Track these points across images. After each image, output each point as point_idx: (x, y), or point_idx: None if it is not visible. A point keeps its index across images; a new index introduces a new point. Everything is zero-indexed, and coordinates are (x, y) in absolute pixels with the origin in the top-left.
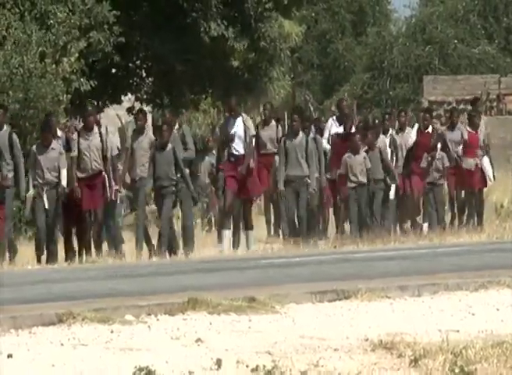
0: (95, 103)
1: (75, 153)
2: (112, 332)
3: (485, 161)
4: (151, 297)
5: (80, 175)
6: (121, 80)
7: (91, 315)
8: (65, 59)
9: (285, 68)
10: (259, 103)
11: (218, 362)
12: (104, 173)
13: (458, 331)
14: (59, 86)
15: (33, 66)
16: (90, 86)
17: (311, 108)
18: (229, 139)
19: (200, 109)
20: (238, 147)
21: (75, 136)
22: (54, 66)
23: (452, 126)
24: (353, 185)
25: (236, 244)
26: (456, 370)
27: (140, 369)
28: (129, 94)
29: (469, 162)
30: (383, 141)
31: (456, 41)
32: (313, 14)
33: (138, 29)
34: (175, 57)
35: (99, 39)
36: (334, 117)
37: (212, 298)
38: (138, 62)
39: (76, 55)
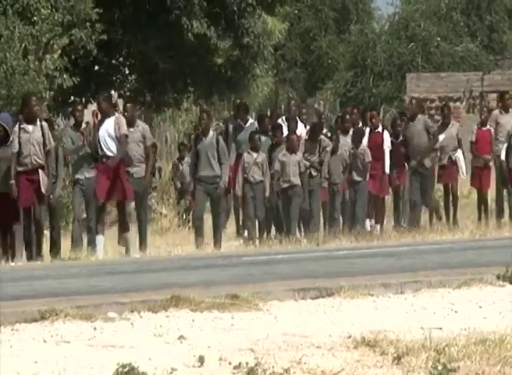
0: (78, 100)
1: (15, 149)
2: (94, 329)
3: (460, 155)
4: (133, 294)
5: (19, 169)
6: (104, 77)
7: (74, 312)
8: (48, 56)
9: (268, 65)
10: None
11: (201, 359)
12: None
13: (441, 329)
14: (42, 83)
15: (16, 62)
16: (73, 83)
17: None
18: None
19: (182, 108)
20: (111, 147)
21: (16, 129)
22: (37, 62)
23: (447, 123)
24: (285, 185)
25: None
26: (439, 368)
27: (123, 366)
28: (112, 91)
29: (480, 159)
30: (346, 141)
31: (439, 39)
32: (296, 11)
33: (121, 26)
34: (158, 54)
35: (81, 36)
36: (283, 118)
37: (195, 295)
38: (121, 59)
39: (59, 52)
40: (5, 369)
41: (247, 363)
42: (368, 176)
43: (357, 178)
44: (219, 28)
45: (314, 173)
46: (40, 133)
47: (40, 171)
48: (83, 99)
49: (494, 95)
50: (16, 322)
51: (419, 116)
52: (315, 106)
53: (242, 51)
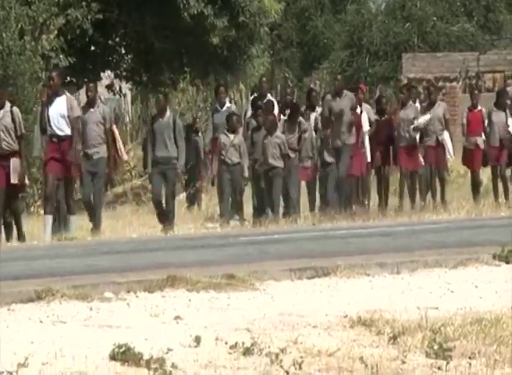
0: (74, 80)
1: None
2: (91, 309)
3: (446, 136)
4: (130, 274)
5: None
6: (100, 58)
7: (70, 292)
8: (44, 36)
9: (264, 45)
10: (238, 81)
11: (197, 339)
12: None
13: (437, 308)
14: (38, 63)
15: (12, 42)
16: (69, 63)
17: (290, 86)
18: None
19: (179, 88)
20: (62, 127)
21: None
22: (33, 43)
23: (404, 104)
24: (264, 167)
25: (61, 228)
26: (435, 347)
27: (119, 347)
28: (109, 72)
29: (471, 140)
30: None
31: (435, 19)
32: None
33: (117, 6)
34: (154, 34)
35: (77, 16)
36: (255, 94)
37: (191, 275)
38: (117, 39)
39: (55, 32)
40: (1, 349)
41: (243, 343)
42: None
43: (329, 159)
44: (216, 7)
45: (292, 155)
46: (10, 118)
47: (12, 159)
48: (80, 80)
49: (490, 75)
50: (13, 302)
51: (345, 92)
52: (311, 86)
53: (238, 31)
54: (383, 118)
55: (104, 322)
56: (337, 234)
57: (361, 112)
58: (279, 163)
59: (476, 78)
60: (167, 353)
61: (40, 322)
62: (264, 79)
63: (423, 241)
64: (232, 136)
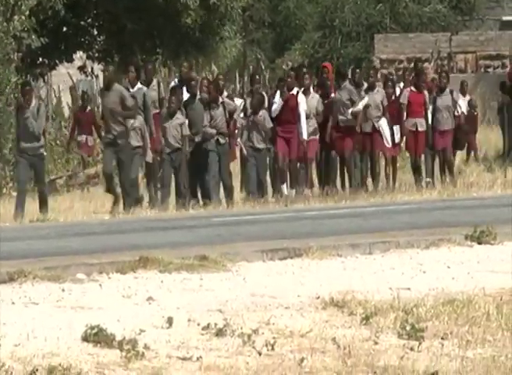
0: (46, 61)
1: None
2: (63, 290)
3: (383, 123)
4: (102, 255)
5: None
6: (72, 38)
7: (42, 273)
8: (15, 17)
9: (236, 26)
10: (210, 62)
11: (170, 321)
12: None
13: (409, 289)
14: (10, 44)
15: None
16: (41, 44)
17: (263, 67)
18: None
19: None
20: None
21: None
22: (5, 23)
23: (339, 86)
24: (167, 150)
25: None
26: (407, 328)
27: (92, 328)
28: (81, 53)
29: (411, 122)
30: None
31: (407, 0)
32: None
33: None
34: (126, 15)
35: None
36: (175, 80)
37: (163, 256)
38: (89, 20)
39: (27, 12)
40: None
41: (215, 324)
42: (267, 142)
43: (258, 145)
44: None
45: (221, 140)
46: None
47: None
48: (52, 61)
49: (462, 56)
50: None
51: (116, 84)
52: (283, 67)
53: (210, 13)
54: (325, 101)
55: (77, 303)
56: (309, 215)
57: (297, 92)
58: (181, 145)
59: (448, 59)
60: (139, 334)
61: (13, 303)
62: (185, 64)
63: (395, 221)
64: (132, 120)
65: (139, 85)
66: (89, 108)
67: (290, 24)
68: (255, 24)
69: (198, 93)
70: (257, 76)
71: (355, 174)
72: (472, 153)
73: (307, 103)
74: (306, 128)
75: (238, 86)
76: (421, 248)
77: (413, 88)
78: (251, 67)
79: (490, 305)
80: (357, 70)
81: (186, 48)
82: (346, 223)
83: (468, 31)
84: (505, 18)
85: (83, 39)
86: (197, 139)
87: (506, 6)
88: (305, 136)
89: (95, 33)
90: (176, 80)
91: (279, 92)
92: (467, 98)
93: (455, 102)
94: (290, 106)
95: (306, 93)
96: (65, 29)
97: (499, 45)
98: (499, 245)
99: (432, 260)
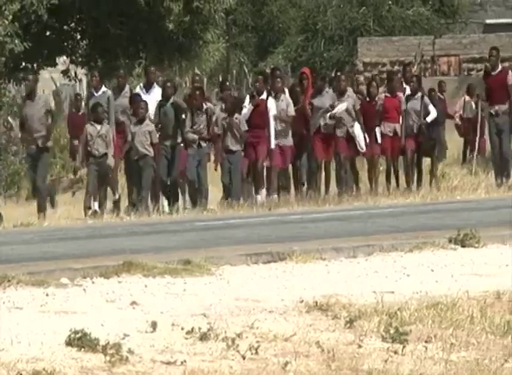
0: (29, 66)
1: None
2: (47, 295)
3: (356, 128)
4: (86, 260)
5: None
6: (55, 43)
7: (26, 278)
8: None
9: (219, 30)
10: (193, 66)
11: (154, 325)
12: None
13: (393, 292)
14: None
15: None
16: (25, 48)
17: (246, 71)
18: None
19: (134, 73)
20: None
21: None
22: None
23: (320, 92)
24: (136, 157)
25: None
26: (391, 331)
27: (76, 332)
28: (64, 57)
29: (387, 127)
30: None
31: (390, 3)
32: None
33: None
34: (109, 20)
35: (32, 1)
36: (141, 85)
37: (147, 260)
38: (72, 24)
39: (10, 17)
40: None
41: (199, 328)
42: (243, 145)
43: (232, 147)
44: None
45: (202, 144)
46: None
47: None
48: (34, 65)
49: (445, 59)
50: None
51: (38, 93)
52: (267, 70)
53: (193, 17)
54: (296, 107)
55: (61, 308)
56: (293, 219)
57: (267, 97)
58: (149, 151)
59: (431, 62)
60: (123, 339)
61: None
62: (152, 69)
63: (379, 225)
64: (98, 126)
65: (103, 89)
66: (82, 111)
67: (273, 28)
68: (238, 28)
69: (172, 98)
70: (227, 83)
71: (347, 179)
72: (475, 154)
73: (277, 107)
74: (274, 135)
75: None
76: (404, 251)
77: (387, 94)
78: (234, 71)
79: (474, 308)
80: (340, 75)
81: (170, 53)
82: (329, 227)
83: (451, 34)
84: (488, 21)
85: (66, 43)
86: (167, 143)
87: (490, 9)
88: (273, 144)
89: (78, 37)
90: (141, 84)
91: (248, 97)
92: (474, 99)
93: (425, 107)
94: (260, 111)
95: (277, 96)
96: (48, 33)
97: (482, 48)
98: (482, 248)
99: (416, 263)
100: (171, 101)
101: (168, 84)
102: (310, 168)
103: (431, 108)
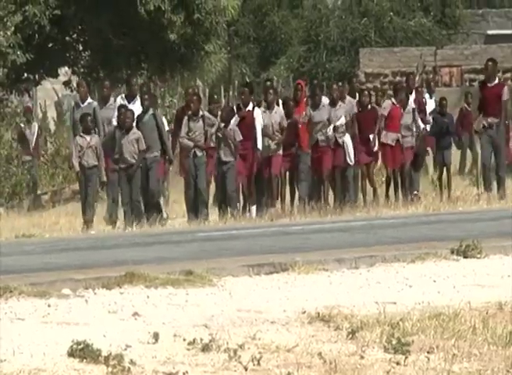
0: (31, 77)
1: None
2: (49, 306)
3: (347, 140)
4: (88, 271)
5: None
6: (57, 54)
7: (28, 289)
8: (1, 33)
9: (221, 41)
10: (195, 77)
11: (156, 336)
12: None
13: (395, 303)
14: None
15: None
16: (27, 59)
17: (248, 82)
18: None
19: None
20: None
21: None
22: None
23: (316, 105)
24: (123, 166)
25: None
26: (394, 342)
27: (78, 343)
28: (66, 68)
29: (390, 137)
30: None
31: (392, 14)
32: None
33: (74, 2)
34: (111, 31)
35: (34, 12)
36: (122, 95)
37: (149, 271)
38: (74, 35)
39: (13, 28)
40: None
41: (201, 339)
42: (237, 156)
43: (225, 158)
44: (172, 3)
45: (198, 153)
46: None
47: None
48: (36, 76)
49: (447, 70)
50: None
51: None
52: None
53: (194, 28)
54: (289, 120)
55: (63, 319)
56: (295, 230)
57: (253, 107)
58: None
59: (433, 73)
60: (125, 350)
61: None
62: (134, 80)
63: (381, 236)
64: (88, 137)
65: (89, 100)
66: None
67: (275, 39)
68: (240, 39)
69: (151, 109)
70: (215, 96)
71: (349, 189)
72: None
73: (270, 118)
74: (261, 140)
75: (223, 101)
76: (407, 262)
77: (394, 101)
78: (236, 82)
79: (476, 319)
80: (339, 86)
81: (171, 63)
82: (331, 238)
83: (453, 45)
84: (490, 32)
85: (68, 54)
86: (148, 155)
87: (491, 20)
88: (260, 146)
89: (80, 48)
90: (123, 95)
91: (235, 108)
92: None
93: (415, 121)
94: (247, 123)
95: (270, 107)
96: (50, 44)
97: (484, 59)
98: (484, 259)
99: (418, 274)
100: (150, 112)
101: (146, 96)
102: (312, 180)
103: (420, 122)
